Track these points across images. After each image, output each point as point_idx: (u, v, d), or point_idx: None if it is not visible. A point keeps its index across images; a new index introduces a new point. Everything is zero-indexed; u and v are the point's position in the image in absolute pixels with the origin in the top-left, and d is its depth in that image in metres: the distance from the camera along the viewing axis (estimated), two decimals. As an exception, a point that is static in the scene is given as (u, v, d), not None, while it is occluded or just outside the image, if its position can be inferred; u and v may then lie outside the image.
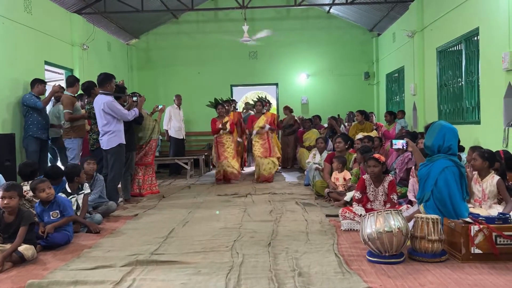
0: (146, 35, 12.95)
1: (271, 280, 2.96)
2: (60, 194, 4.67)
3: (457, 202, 3.67)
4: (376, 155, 4.55)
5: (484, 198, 4.23)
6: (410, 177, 5.00)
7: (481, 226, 3.24)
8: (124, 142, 5.78)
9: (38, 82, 6.57)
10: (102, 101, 5.56)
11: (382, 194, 4.46)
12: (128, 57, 12.69)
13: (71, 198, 4.62)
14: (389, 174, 4.61)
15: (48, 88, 6.92)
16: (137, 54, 12.94)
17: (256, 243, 3.92)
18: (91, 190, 5.06)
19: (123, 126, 5.79)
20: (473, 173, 4.43)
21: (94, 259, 3.54)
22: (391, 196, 4.37)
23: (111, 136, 5.62)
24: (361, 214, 4.34)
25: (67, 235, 4.10)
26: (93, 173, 5.31)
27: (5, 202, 3.59)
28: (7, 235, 3.57)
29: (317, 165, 6.95)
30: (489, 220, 3.30)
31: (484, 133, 6.51)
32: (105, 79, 5.67)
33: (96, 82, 6.03)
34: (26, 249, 3.48)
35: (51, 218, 4.09)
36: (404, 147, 4.40)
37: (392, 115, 9.27)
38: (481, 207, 4.22)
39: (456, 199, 3.67)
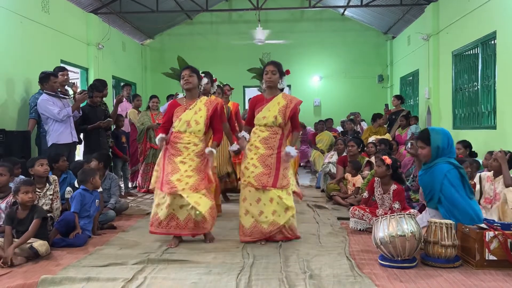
0: (160, 35, 13.04)
1: (282, 281, 2.95)
2: (67, 189, 4.73)
3: (467, 202, 3.54)
4: (383, 156, 4.52)
5: (495, 198, 4.18)
6: None
7: (496, 233, 3.19)
8: (60, 142, 5.54)
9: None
10: (38, 101, 5.55)
11: (388, 201, 4.41)
12: (142, 57, 12.79)
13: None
14: (396, 182, 4.50)
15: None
16: (151, 54, 13.04)
17: (267, 244, 3.91)
18: (103, 188, 5.09)
19: (62, 126, 5.55)
20: (488, 173, 4.39)
21: (106, 257, 3.56)
22: (393, 205, 4.32)
23: (47, 136, 5.56)
24: (363, 215, 4.38)
25: (87, 236, 4.15)
26: (104, 171, 5.33)
27: None
28: (21, 231, 3.61)
29: (330, 168, 6.93)
30: (504, 226, 3.25)
31: (500, 138, 6.41)
32: (44, 77, 5.62)
33: (101, 84, 6.12)
34: (40, 245, 3.52)
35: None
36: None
37: (400, 100, 9.22)
38: (491, 207, 4.18)
39: (466, 199, 3.53)
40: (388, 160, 4.42)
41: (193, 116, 3.95)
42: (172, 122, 4.02)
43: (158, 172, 3.99)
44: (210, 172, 3.99)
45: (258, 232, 3.89)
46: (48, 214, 4.10)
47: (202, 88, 4.14)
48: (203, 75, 4.23)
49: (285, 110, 3.98)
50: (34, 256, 3.49)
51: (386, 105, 10.87)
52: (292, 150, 3.91)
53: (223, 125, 4.43)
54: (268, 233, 3.88)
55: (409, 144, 4.09)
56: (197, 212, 3.76)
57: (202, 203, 3.79)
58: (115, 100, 6.89)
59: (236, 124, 5.66)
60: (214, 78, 4.98)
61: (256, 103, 4.11)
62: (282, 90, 4.15)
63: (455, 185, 3.51)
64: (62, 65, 8.07)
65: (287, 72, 4.16)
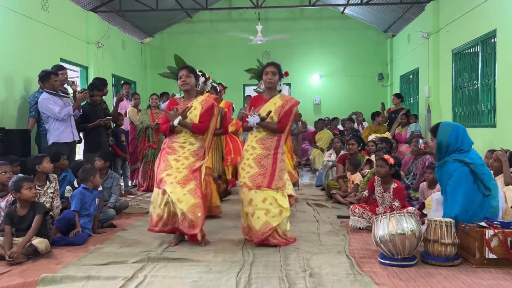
0: (160, 34, 13.03)
1: (282, 280, 2.95)
2: (67, 187, 4.73)
3: (478, 199, 3.46)
4: (386, 156, 4.51)
5: None
6: (426, 177, 5.00)
7: (496, 231, 3.19)
8: (61, 141, 5.51)
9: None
10: (38, 100, 5.54)
11: (388, 200, 4.41)
12: (142, 55, 12.78)
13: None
14: (397, 180, 4.51)
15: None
16: (151, 53, 13.03)
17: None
18: (104, 187, 5.10)
19: (63, 125, 5.52)
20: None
21: (107, 255, 3.57)
22: (393, 203, 4.32)
23: (48, 134, 5.55)
24: (363, 213, 4.39)
25: (87, 235, 4.15)
26: (107, 170, 5.34)
27: None
28: (21, 229, 3.61)
29: (332, 163, 6.96)
30: (504, 224, 3.25)
31: (500, 137, 6.42)
32: (45, 76, 5.61)
33: (101, 83, 6.08)
34: (39, 242, 3.52)
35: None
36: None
37: (400, 98, 9.24)
38: None
39: (476, 197, 3.45)
40: (391, 160, 4.43)
41: (189, 116, 3.90)
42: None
43: (154, 173, 3.98)
44: (206, 179, 3.97)
45: (252, 232, 3.79)
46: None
47: (199, 87, 4.13)
48: (200, 74, 4.22)
49: (280, 110, 3.90)
50: (33, 253, 3.48)
51: (383, 104, 10.87)
52: (254, 119, 3.78)
53: (214, 129, 4.20)
54: (261, 234, 3.72)
55: (421, 141, 4.08)
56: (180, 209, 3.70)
57: (185, 200, 3.70)
58: (115, 99, 6.88)
59: (228, 125, 5.60)
60: (207, 76, 4.90)
61: (255, 103, 4.04)
62: (280, 91, 4.10)
63: (461, 184, 3.45)
64: (61, 63, 8.07)
65: (286, 74, 4.14)
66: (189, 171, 3.80)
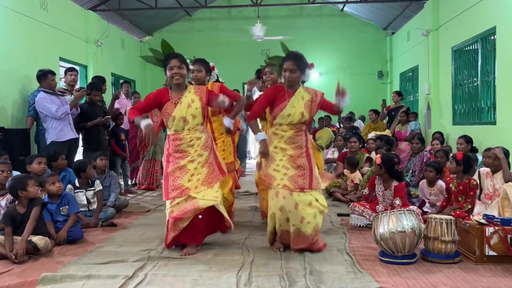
0: (159, 32, 13.00)
1: (282, 278, 2.95)
2: (68, 186, 4.73)
3: None
4: (377, 156, 4.54)
5: (494, 193, 4.21)
6: (426, 175, 5.00)
7: (496, 228, 3.19)
8: (60, 140, 5.52)
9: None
10: (36, 99, 5.55)
11: (389, 198, 4.41)
12: (141, 54, 12.74)
13: (76, 192, 4.69)
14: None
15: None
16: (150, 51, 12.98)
17: (266, 240, 3.91)
18: (103, 186, 5.09)
19: (61, 123, 5.54)
20: (486, 169, 4.40)
21: (107, 254, 3.56)
22: (394, 201, 4.31)
23: (46, 133, 5.55)
24: (363, 211, 4.38)
25: (81, 230, 4.15)
26: (105, 169, 5.35)
27: None
28: (24, 227, 3.58)
29: (333, 156, 7.00)
30: (504, 221, 3.25)
31: (500, 134, 6.41)
32: (42, 75, 5.61)
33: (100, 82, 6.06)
34: (39, 239, 3.53)
35: (62, 213, 4.11)
36: None
37: (400, 96, 9.25)
38: (491, 203, 4.19)
39: None
40: (378, 160, 4.40)
41: (188, 111, 3.52)
42: (152, 108, 3.69)
43: (163, 184, 3.63)
44: (221, 162, 3.70)
45: (301, 238, 3.46)
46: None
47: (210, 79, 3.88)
48: (212, 65, 4.01)
49: (311, 105, 3.58)
50: (33, 250, 3.47)
51: (384, 101, 10.85)
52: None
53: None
54: (311, 240, 3.45)
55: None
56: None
57: (219, 196, 3.56)
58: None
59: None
60: (211, 66, 4.39)
61: (276, 96, 3.56)
62: (303, 82, 3.68)
63: None
64: (61, 62, 8.09)
65: (311, 65, 3.70)
66: (208, 168, 3.55)
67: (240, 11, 12.61)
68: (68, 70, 6.46)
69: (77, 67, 8.79)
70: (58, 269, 3.19)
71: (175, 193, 3.49)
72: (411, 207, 4.26)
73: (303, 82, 3.70)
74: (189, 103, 3.55)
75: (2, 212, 3.87)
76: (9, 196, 3.95)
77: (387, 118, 9.34)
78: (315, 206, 3.47)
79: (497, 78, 6.65)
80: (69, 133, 5.64)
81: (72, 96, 5.89)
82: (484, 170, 4.45)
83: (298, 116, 3.53)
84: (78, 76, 6.57)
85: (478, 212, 4.00)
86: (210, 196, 3.50)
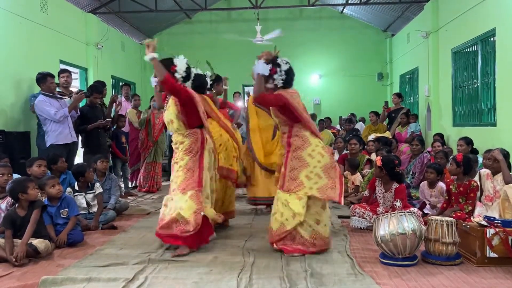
0: (159, 35, 13.02)
1: (283, 280, 2.95)
2: (67, 189, 4.73)
3: None
4: (377, 158, 4.54)
5: (495, 195, 4.20)
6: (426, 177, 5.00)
7: (497, 229, 3.19)
8: (59, 143, 5.51)
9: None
10: (35, 102, 5.55)
11: (390, 200, 4.40)
12: (141, 56, 12.74)
13: (76, 195, 4.68)
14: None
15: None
16: (150, 54, 12.99)
17: (267, 243, 3.90)
18: (104, 189, 5.09)
19: (60, 126, 5.53)
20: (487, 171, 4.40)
21: (107, 257, 3.56)
22: (394, 202, 4.30)
23: (46, 136, 5.54)
24: (363, 213, 4.38)
25: (82, 233, 4.14)
26: (105, 172, 5.35)
27: None
28: (25, 230, 3.57)
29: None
30: (505, 223, 3.25)
31: (500, 135, 6.41)
32: (41, 78, 5.61)
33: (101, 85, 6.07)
34: (39, 242, 3.53)
35: (62, 216, 4.12)
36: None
37: (400, 97, 9.26)
38: (492, 204, 4.19)
39: None
40: (379, 162, 4.40)
41: (168, 116, 3.73)
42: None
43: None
44: (202, 175, 3.65)
45: (320, 241, 3.56)
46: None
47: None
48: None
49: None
50: (33, 253, 3.47)
51: (386, 102, 10.86)
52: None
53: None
54: (276, 237, 3.59)
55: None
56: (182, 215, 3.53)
57: (186, 206, 3.52)
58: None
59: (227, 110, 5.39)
60: (224, 77, 4.54)
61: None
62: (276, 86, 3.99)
63: None
64: (61, 65, 8.09)
65: (273, 70, 4.00)
66: (185, 173, 3.62)
67: (240, 13, 12.62)
68: (60, 72, 6.37)
69: (73, 69, 8.83)
70: (58, 272, 3.19)
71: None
72: (412, 209, 4.25)
73: (276, 86, 4.00)
74: (169, 108, 3.75)
75: (2, 215, 3.87)
76: (9, 199, 3.94)
77: (387, 120, 9.34)
78: (289, 208, 3.50)
79: (497, 80, 6.66)
80: (68, 136, 5.63)
81: (71, 98, 5.89)
82: (485, 171, 4.44)
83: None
84: (71, 77, 6.48)
85: (479, 214, 4.00)
86: (184, 204, 3.53)
